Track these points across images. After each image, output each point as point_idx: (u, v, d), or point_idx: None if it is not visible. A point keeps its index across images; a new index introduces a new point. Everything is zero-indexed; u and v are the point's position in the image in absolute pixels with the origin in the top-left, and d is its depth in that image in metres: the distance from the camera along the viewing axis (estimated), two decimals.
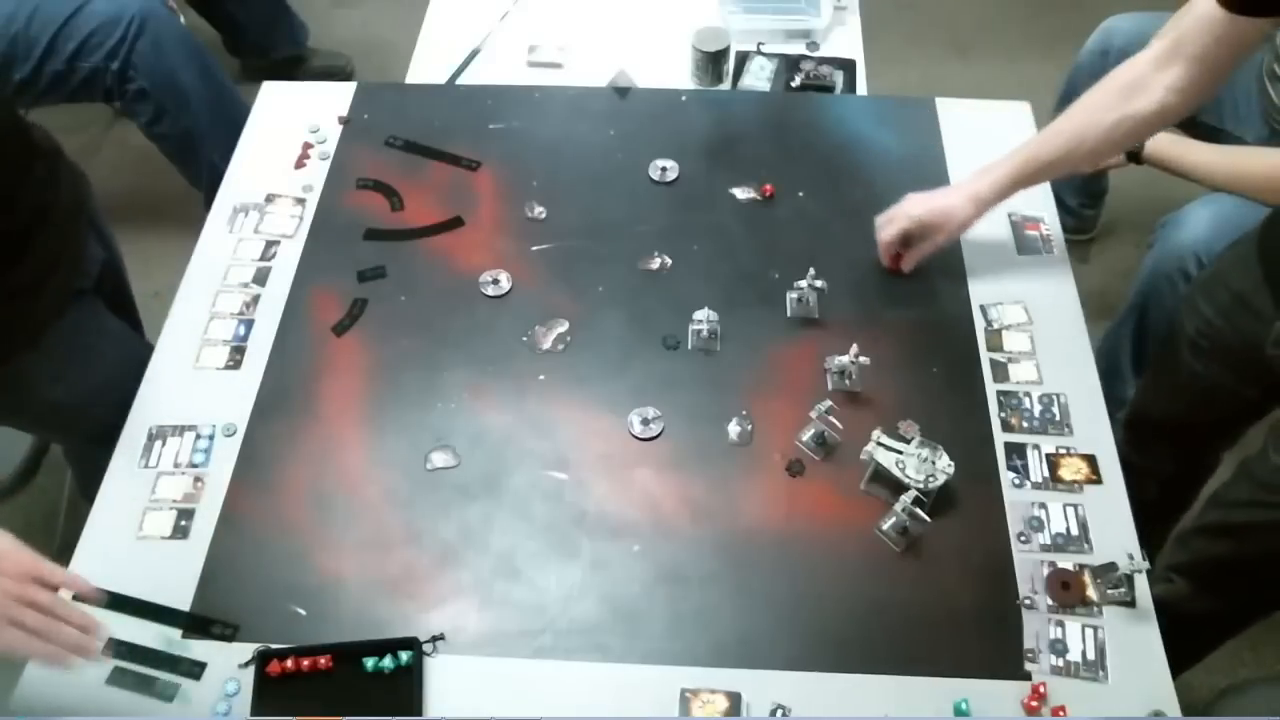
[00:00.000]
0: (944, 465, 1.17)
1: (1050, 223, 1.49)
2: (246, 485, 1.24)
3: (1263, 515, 1.30)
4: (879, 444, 1.18)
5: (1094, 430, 1.28)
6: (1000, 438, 1.27)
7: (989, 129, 1.60)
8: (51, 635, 0.94)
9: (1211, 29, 1.10)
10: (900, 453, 1.18)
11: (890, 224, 1.39)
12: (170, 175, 2.19)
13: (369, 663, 1.10)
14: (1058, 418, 1.29)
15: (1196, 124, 1.82)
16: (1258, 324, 1.29)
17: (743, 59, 1.76)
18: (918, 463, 1.17)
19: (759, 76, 1.74)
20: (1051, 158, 1.30)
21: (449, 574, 1.17)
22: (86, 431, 1.41)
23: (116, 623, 1.14)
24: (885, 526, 1.19)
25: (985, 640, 1.12)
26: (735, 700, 1.08)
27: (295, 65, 2.71)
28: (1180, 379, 1.46)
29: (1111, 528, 1.20)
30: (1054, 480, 1.23)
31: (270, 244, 1.48)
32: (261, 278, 1.44)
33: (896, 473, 1.17)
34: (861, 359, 1.28)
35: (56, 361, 1.25)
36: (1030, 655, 1.11)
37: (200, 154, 2.13)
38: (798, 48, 1.80)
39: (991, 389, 1.31)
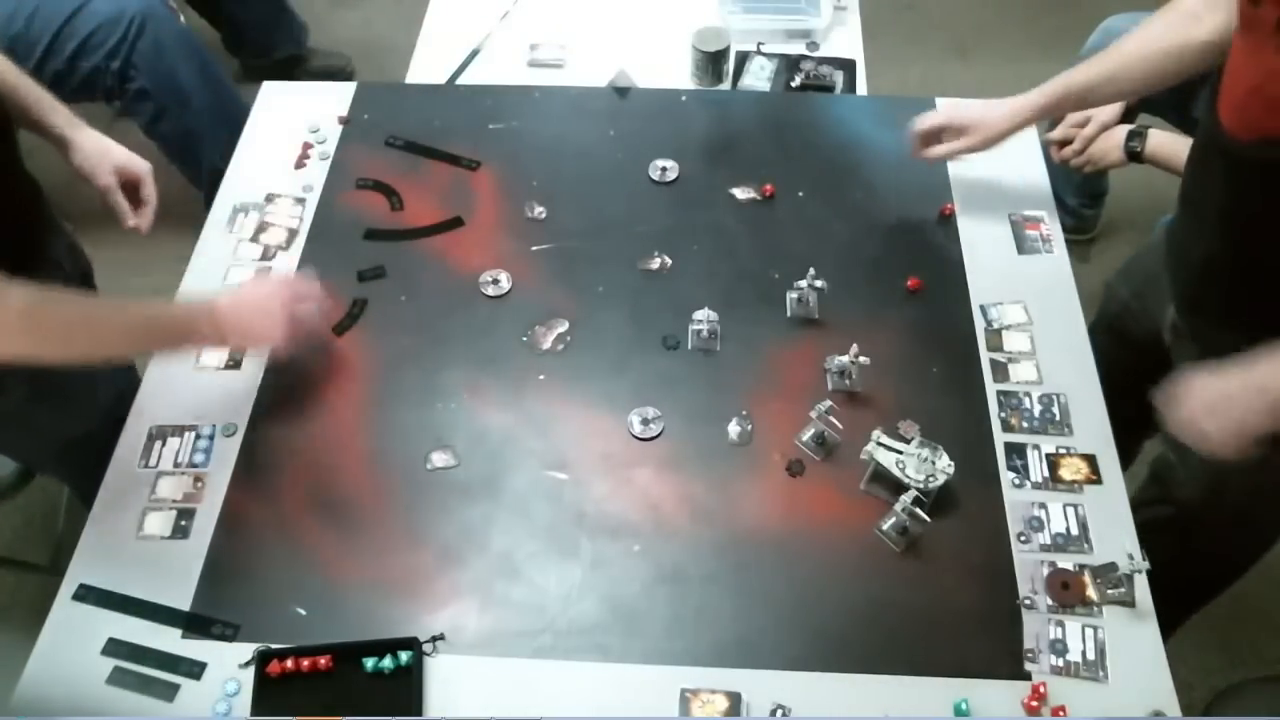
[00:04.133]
0: (944, 465, 1.17)
1: (1050, 223, 1.49)
2: (246, 485, 1.24)
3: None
4: (879, 444, 1.18)
5: (1094, 430, 1.28)
6: (1000, 438, 1.27)
7: None
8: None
9: None
10: (900, 453, 1.18)
11: (927, 118, 1.47)
12: (170, 175, 2.19)
13: (369, 663, 1.10)
14: (1058, 418, 1.29)
15: (1196, 124, 1.81)
16: (1160, 309, 1.29)
17: (743, 59, 1.76)
18: (918, 463, 1.17)
19: (759, 76, 1.74)
20: (1094, 82, 1.35)
21: (449, 574, 1.17)
22: (85, 446, 1.36)
23: (116, 623, 1.14)
24: (885, 526, 1.19)
25: (985, 640, 1.12)
26: (735, 700, 1.08)
27: (295, 65, 2.71)
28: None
29: (1111, 528, 1.20)
30: (1054, 480, 1.23)
31: (270, 244, 1.48)
32: None
33: (896, 473, 1.17)
34: (861, 359, 1.28)
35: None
36: (1030, 655, 1.11)
37: (200, 154, 2.14)
38: (798, 48, 1.80)
39: (991, 389, 1.31)
